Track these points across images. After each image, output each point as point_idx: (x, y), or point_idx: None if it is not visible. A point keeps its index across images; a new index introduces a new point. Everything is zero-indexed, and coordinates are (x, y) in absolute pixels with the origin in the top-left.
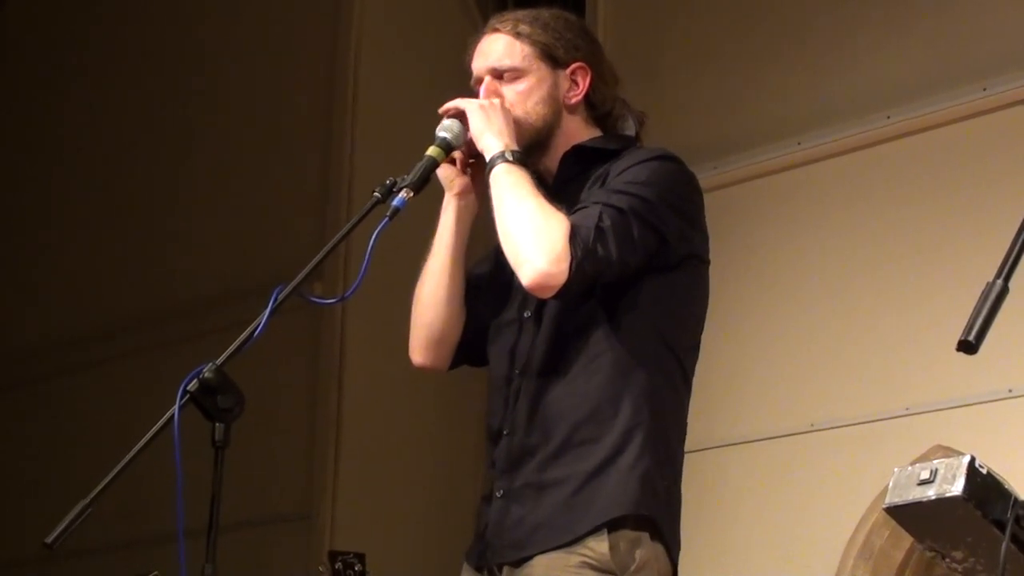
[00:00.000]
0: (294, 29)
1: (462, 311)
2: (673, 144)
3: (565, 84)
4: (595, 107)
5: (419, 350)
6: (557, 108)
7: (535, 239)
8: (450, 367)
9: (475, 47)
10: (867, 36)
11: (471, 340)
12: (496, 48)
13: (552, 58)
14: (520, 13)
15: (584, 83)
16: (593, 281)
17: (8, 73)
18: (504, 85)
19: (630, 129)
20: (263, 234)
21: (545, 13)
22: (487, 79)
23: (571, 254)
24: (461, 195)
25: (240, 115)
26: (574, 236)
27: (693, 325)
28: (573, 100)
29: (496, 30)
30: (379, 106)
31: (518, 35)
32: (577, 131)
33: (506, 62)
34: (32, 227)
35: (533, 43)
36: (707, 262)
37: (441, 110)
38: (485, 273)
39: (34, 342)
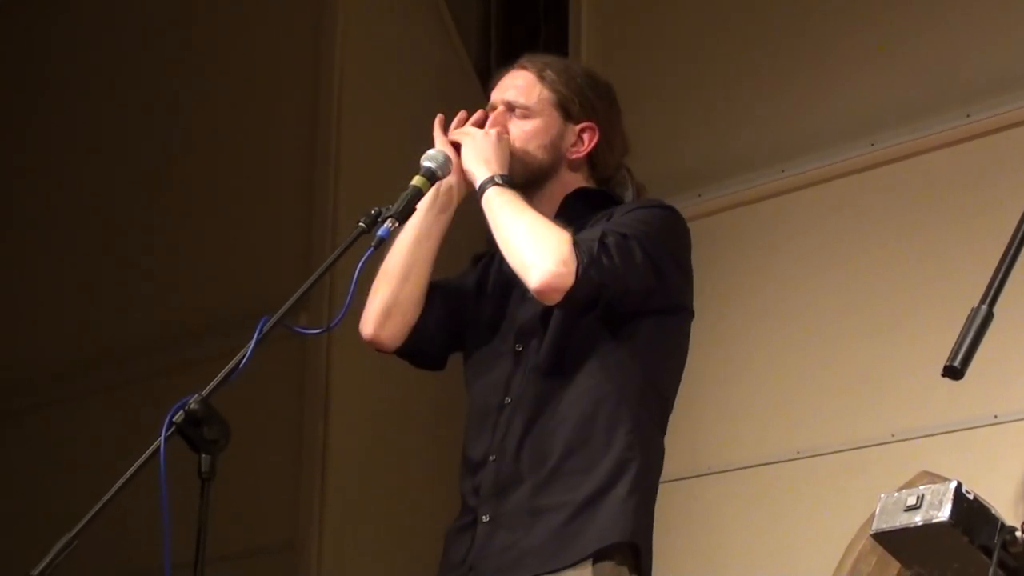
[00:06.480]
0: (278, 64)
1: (422, 293)
2: (657, 172)
3: (571, 138)
4: (597, 169)
5: (370, 321)
6: (557, 157)
7: (540, 244)
8: (397, 351)
9: (500, 77)
10: (850, 63)
11: (430, 332)
12: (516, 84)
13: (566, 110)
14: (551, 58)
15: (589, 143)
16: (597, 292)
17: None
18: (513, 120)
19: (628, 197)
20: (248, 265)
21: (576, 67)
22: (500, 108)
23: (577, 258)
24: (446, 191)
25: (223, 146)
26: (577, 245)
27: (676, 372)
28: (574, 156)
29: (523, 67)
30: (363, 137)
31: (542, 78)
32: (576, 185)
33: (521, 100)
34: (12, 260)
35: (553, 90)
36: (693, 314)
37: (447, 140)
38: (470, 292)
39: (16, 375)
